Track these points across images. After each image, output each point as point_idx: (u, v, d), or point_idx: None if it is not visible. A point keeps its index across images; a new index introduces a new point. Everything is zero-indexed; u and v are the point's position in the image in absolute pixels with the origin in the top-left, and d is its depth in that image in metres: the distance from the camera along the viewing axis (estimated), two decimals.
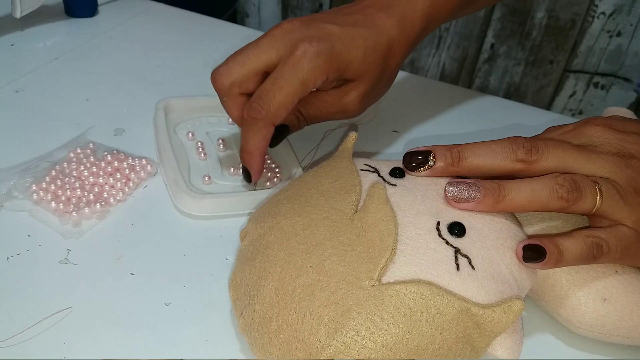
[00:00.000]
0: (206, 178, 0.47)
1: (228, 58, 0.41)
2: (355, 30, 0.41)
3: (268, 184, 0.47)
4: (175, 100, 0.54)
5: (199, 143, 0.50)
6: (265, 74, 0.41)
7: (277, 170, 0.49)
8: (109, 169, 0.46)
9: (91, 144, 0.48)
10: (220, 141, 0.51)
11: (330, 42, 0.40)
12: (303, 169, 0.48)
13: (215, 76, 0.41)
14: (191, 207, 0.44)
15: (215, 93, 0.42)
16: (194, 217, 0.44)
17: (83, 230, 0.42)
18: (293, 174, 0.48)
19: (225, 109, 0.43)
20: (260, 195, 0.45)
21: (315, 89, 0.44)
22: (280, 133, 0.44)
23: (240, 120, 0.42)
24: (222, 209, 0.44)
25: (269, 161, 0.49)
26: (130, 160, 0.47)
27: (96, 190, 0.44)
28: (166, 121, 0.51)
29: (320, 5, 1.08)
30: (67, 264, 0.39)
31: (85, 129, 0.51)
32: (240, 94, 0.41)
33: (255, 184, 0.47)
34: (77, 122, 0.52)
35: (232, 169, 0.48)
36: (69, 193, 0.43)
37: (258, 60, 0.40)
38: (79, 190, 0.43)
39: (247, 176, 0.44)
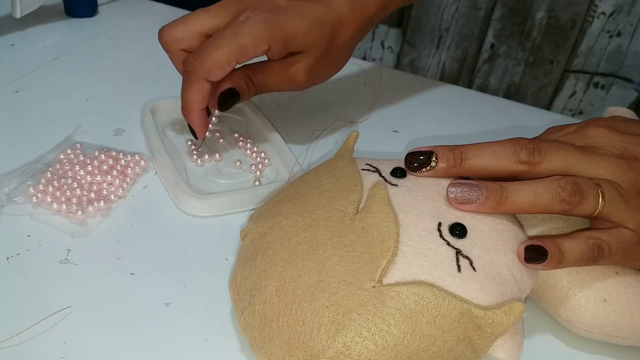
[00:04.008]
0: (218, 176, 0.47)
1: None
2: (303, 3, 0.43)
3: (258, 173, 0.48)
4: (162, 102, 0.54)
5: (189, 142, 0.50)
6: (208, 36, 0.43)
7: (264, 157, 0.50)
8: (105, 167, 0.46)
9: (78, 144, 0.48)
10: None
11: (275, 13, 0.42)
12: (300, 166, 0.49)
13: (160, 32, 0.44)
14: (195, 208, 0.44)
15: None
16: (194, 217, 0.44)
17: (90, 228, 0.42)
18: (292, 172, 0.48)
19: (172, 62, 0.45)
20: (264, 190, 0.45)
21: (266, 59, 0.45)
22: (229, 97, 0.44)
23: None
24: (227, 207, 0.45)
25: (255, 148, 0.50)
26: (122, 157, 0.47)
27: (95, 188, 0.44)
28: (154, 123, 0.51)
29: None
30: (67, 264, 0.39)
31: (74, 129, 0.51)
32: (181, 50, 0.43)
33: (203, 141, 0.49)
34: (78, 122, 0.52)
35: (237, 162, 0.48)
36: (68, 193, 0.43)
37: (202, 22, 0.42)
38: (78, 190, 0.43)
39: (192, 132, 0.45)
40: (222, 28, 0.42)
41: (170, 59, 0.44)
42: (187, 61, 0.42)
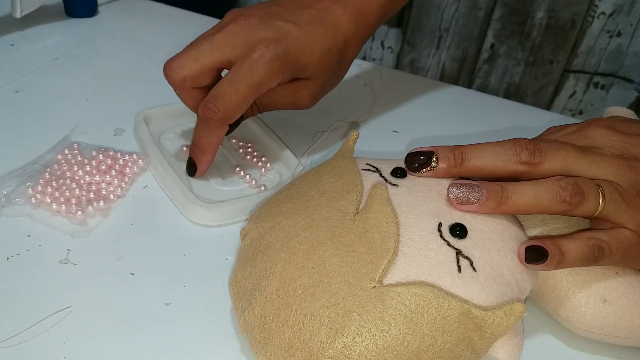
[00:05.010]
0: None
1: (182, 50, 0.42)
2: (312, 29, 0.42)
3: (264, 177, 0.48)
4: (154, 110, 0.52)
5: (185, 148, 0.49)
6: (219, 69, 0.42)
7: (265, 161, 0.49)
8: (103, 167, 0.46)
9: (76, 144, 0.48)
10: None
11: (286, 44, 0.41)
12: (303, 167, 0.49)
13: (167, 70, 0.42)
14: (206, 218, 0.43)
15: None
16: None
17: (90, 228, 0.42)
18: (295, 174, 0.47)
19: (180, 99, 0.44)
20: (272, 194, 0.45)
21: None
22: (234, 122, 0.44)
23: (196, 110, 0.43)
24: (237, 214, 0.44)
25: (255, 153, 0.50)
26: (120, 156, 0.47)
27: (94, 188, 0.44)
28: (150, 133, 0.50)
29: None
30: (67, 264, 0.39)
31: (70, 129, 0.51)
32: (193, 88, 0.42)
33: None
34: (77, 122, 0.52)
35: (237, 168, 0.48)
36: (67, 194, 0.43)
37: (212, 57, 0.41)
38: (77, 190, 0.43)
39: (191, 169, 0.45)
40: (235, 63, 0.40)
41: (178, 95, 0.43)
42: (206, 108, 0.40)
